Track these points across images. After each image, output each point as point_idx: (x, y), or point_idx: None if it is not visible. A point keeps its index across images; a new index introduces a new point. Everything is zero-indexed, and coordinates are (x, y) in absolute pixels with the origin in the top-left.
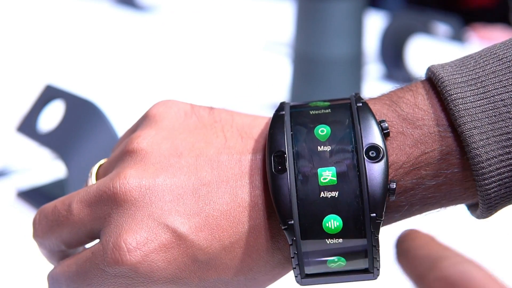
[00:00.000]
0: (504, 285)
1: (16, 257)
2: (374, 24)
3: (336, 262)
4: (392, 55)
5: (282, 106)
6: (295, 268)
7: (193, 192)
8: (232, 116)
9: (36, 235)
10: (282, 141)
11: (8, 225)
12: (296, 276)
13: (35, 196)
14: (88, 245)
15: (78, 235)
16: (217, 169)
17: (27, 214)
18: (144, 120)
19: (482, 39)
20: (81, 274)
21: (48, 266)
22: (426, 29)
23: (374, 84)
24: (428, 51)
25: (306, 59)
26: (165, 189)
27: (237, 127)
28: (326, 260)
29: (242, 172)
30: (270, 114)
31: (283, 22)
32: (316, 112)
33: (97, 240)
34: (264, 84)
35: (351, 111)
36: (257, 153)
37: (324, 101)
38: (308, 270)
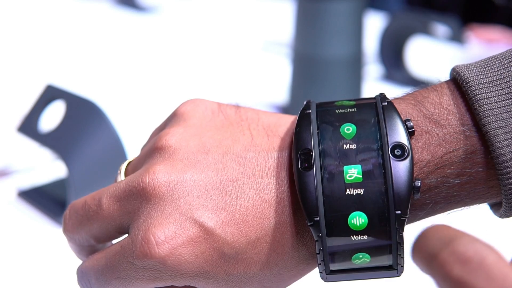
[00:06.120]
0: None
1: (17, 257)
2: (374, 24)
3: (361, 259)
4: (392, 55)
5: (308, 104)
6: (320, 264)
7: (220, 187)
8: (258, 115)
9: (67, 229)
10: (309, 139)
11: (8, 225)
12: (321, 272)
13: (35, 196)
14: (115, 241)
15: (107, 230)
16: (244, 166)
17: (28, 214)
18: (172, 118)
19: (481, 40)
20: (110, 267)
21: (47, 266)
22: (425, 30)
23: (373, 85)
24: (427, 51)
25: (306, 59)
26: (193, 185)
27: (263, 125)
28: (351, 257)
29: (268, 169)
30: None
31: (282, 22)
32: (342, 111)
33: (126, 235)
34: (264, 84)
35: (376, 110)
36: (283, 151)
37: (350, 100)
38: (333, 266)
